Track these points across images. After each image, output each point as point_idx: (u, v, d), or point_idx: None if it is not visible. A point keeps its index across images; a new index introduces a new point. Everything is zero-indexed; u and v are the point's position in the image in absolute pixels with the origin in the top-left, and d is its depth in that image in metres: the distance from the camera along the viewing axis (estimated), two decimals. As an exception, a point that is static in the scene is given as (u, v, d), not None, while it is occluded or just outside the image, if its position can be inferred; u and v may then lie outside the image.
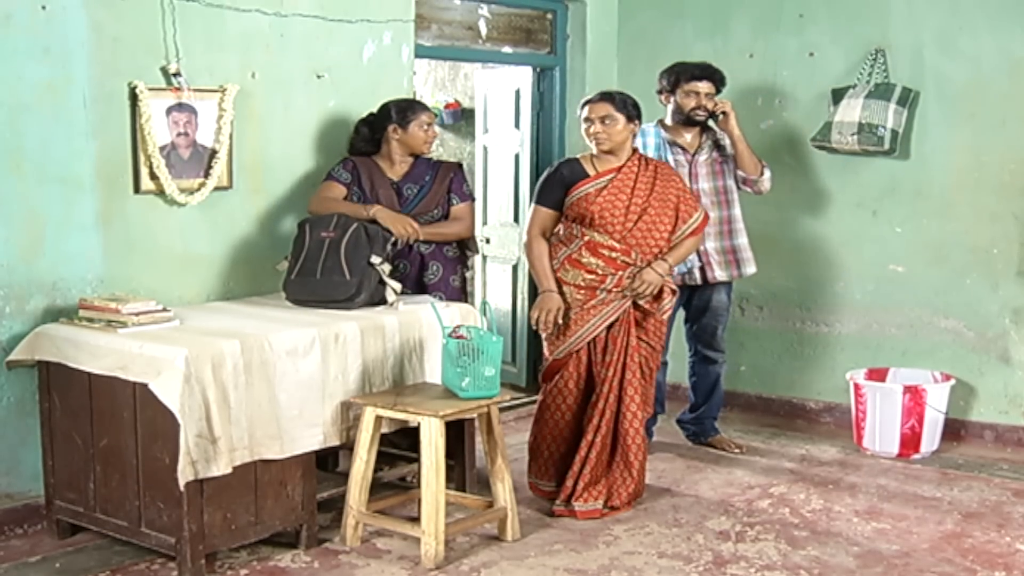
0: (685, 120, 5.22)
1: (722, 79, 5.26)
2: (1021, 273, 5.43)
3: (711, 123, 5.30)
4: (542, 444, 4.67)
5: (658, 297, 4.58)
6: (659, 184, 4.58)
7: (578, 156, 4.72)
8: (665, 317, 4.63)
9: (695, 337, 5.44)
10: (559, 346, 4.56)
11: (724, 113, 5.20)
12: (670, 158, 5.16)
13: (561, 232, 4.63)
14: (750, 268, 5.34)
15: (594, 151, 4.62)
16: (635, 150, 4.66)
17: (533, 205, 4.69)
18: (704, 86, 5.19)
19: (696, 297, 5.33)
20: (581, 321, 4.52)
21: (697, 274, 5.20)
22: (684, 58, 5.42)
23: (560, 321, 4.52)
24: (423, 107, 4.95)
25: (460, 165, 5.06)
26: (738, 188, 5.33)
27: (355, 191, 4.78)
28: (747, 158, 5.24)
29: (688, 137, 5.25)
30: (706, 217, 4.74)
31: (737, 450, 5.40)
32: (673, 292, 4.62)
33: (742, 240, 5.31)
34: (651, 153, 5.13)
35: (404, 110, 4.86)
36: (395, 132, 4.83)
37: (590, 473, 4.50)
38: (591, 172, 4.58)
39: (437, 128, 7.78)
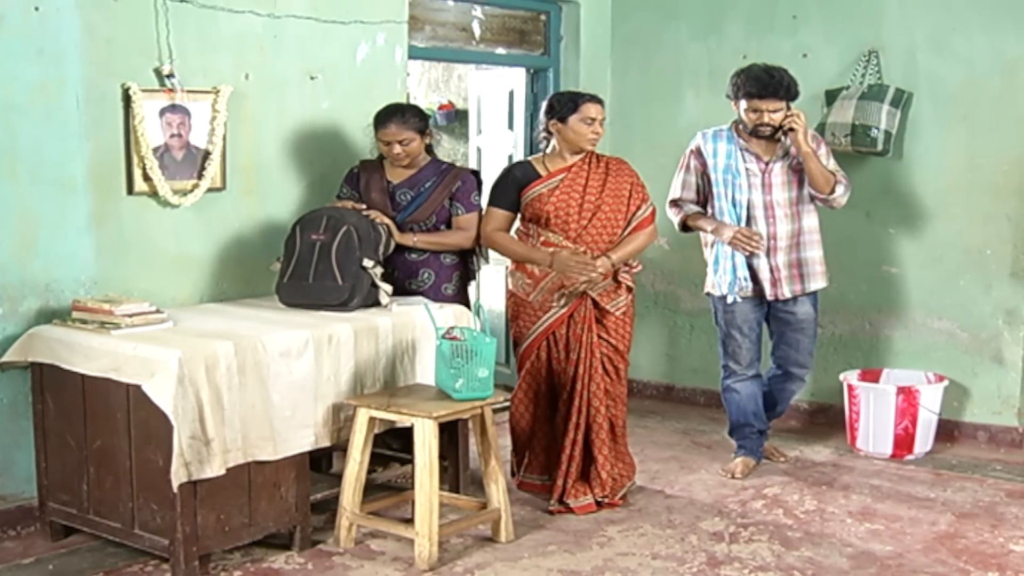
0: (752, 131, 4.84)
1: (789, 90, 4.74)
2: (1014, 274, 5.44)
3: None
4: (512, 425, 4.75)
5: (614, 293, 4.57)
6: (611, 180, 4.58)
7: (529, 158, 4.75)
8: (619, 314, 4.58)
9: (779, 353, 5.10)
10: (520, 342, 4.65)
11: (791, 129, 4.74)
12: (743, 166, 4.83)
13: (518, 232, 4.67)
14: (817, 283, 4.97)
15: (585, 148, 4.59)
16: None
17: (486, 207, 4.70)
18: (766, 104, 4.72)
19: (777, 311, 5.00)
20: (534, 316, 4.57)
21: (768, 289, 4.88)
22: (678, 60, 5.34)
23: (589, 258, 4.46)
24: (391, 119, 4.66)
25: (475, 172, 4.88)
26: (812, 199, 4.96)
27: (355, 199, 4.76)
28: (816, 175, 4.79)
29: (763, 144, 4.87)
30: (654, 211, 4.64)
31: (783, 459, 5.26)
32: (629, 289, 4.56)
33: (810, 253, 4.94)
34: (722, 160, 4.83)
35: (377, 117, 4.73)
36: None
37: (576, 470, 4.55)
38: (543, 172, 4.60)
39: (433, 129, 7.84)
